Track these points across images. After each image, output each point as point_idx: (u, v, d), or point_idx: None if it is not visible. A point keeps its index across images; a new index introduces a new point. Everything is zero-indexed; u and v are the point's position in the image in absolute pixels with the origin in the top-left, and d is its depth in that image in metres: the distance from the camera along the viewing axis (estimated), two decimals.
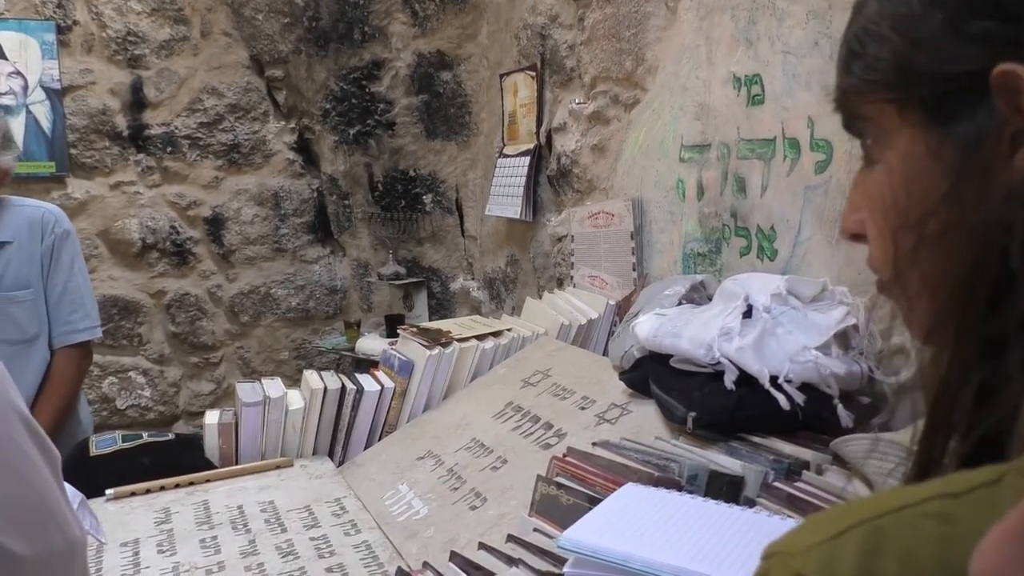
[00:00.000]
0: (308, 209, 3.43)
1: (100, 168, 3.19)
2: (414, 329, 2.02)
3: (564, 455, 1.25)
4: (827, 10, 1.34)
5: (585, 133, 2.17)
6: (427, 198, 3.25)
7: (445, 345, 1.89)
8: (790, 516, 0.93)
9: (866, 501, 0.39)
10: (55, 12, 3.06)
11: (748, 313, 1.28)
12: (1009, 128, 0.42)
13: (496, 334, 1.95)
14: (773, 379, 1.18)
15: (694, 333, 1.30)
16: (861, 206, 0.53)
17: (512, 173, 2.55)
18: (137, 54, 3.17)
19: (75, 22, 3.10)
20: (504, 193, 2.59)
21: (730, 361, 1.22)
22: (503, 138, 2.68)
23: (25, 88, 3.06)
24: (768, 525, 0.88)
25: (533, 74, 2.44)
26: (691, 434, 1.24)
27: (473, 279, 3.12)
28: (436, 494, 1.51)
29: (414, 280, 3.27)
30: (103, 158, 3.19)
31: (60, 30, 3.08)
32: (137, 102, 3.20)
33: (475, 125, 3.03)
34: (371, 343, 3.06)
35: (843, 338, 1.21)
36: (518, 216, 2.51)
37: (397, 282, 3.24)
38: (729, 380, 1.21)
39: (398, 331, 2.07)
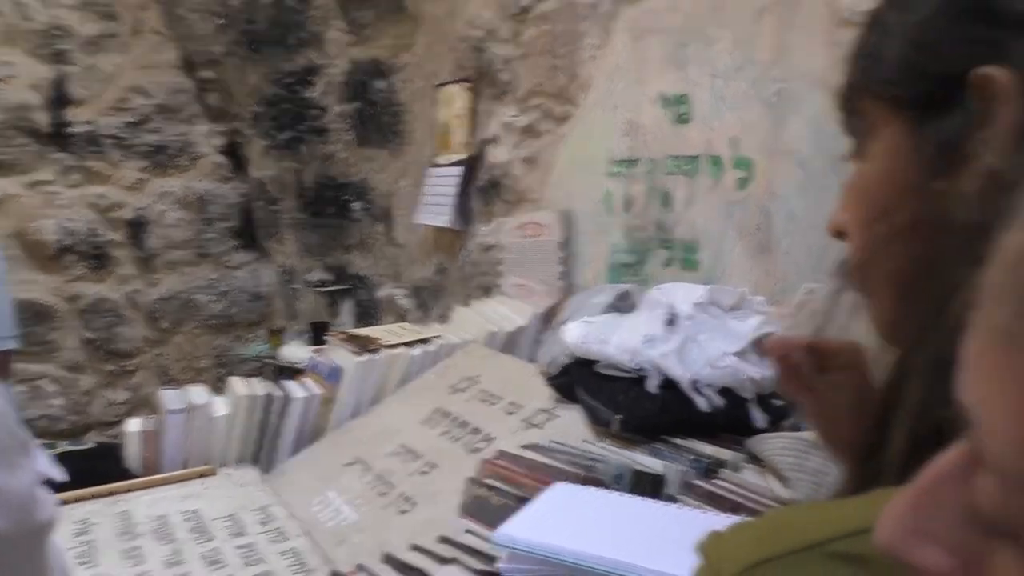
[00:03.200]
0: (234, 214, 3.37)
1: (17, 166, 3.08)
2: (343, 335, 2.02)
3: (494, 457, 1.28)
4: (752, 38, 1.41)
5: (517, 145, 2.22)
6: (356, 205, 3.24)
7: (374, 352, 1.89)
8: (709, 511, 0.98)
9: (786, 524, 0.38)
10: None
11: (671, 321, 1.33)
12: (985, 129, 0.43)
13: (424, 341, 1.97)
14: (694, 383, 1.24)
15: (620, 340, 1.34)
16: (849, 205, 0.55)
17: (444, 182, 2.58)
18: (62, 49, 3.07)
19: None
20: (435, 202, 2.61)
21: (654, 366, 1.27)
22: (436, 148, 2.71)
23: None
24: (688, 518, 0.92)
25: (468, 86, 2.47)
26: (616, 436, 1.28)
27: (400, 287, 3.13)
28: (365, 500, 1.51)
29: (340, 287, 3.25)
30: (20, 155, 3.07)
31: None
32: (60, 98, 3.10)
33: (408, 134, 3.04)
34: (295, 351, 3.02)
35: (759, 344, 1.27)
36: (448, 225, 2.54)
37: (323, 289, 3.21)
38: (653, 385, 1.27)
39: (325, 338, 2.06)
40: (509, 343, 1.94)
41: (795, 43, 1.32)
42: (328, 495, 1.58)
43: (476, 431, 1.56)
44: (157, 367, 3.36)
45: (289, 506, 1.58)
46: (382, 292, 3.19)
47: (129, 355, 3.32)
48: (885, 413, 0.46)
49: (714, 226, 1.49)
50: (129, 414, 3.24)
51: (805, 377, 0.69)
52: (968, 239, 0.36)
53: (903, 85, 0.50)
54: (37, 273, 3.17)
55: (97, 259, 3.23)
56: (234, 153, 3.34)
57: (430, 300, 2.85)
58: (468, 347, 1.94)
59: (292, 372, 2.72)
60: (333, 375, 1.88)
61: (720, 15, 1.48)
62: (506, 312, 2.03)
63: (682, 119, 1.59)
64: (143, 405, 3.32)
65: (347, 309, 3.25)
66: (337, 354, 1.95)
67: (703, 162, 1.52)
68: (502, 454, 1.28)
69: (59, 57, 3.07)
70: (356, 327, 3.07)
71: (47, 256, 3.15)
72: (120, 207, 3.23)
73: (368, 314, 3.26)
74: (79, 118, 3.13)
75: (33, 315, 3.16)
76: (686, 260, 1.57)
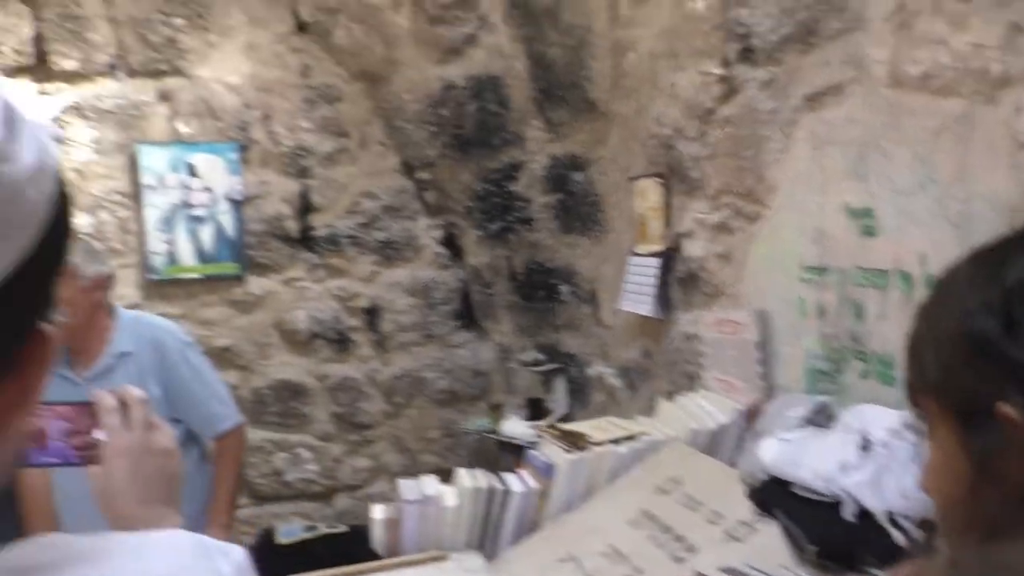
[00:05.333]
0: (454, 298, 3.70)
1: (274, 266, 3.60)
2: (555, 431, 2.19)
3: None
4: (930, 154, 1.42)
5: (711, 240, 2.29)
6: (563, 288, 3.44)
7: (583, 448, 2.04)
8: None
9: None
10: (238, 134, 3.51)
11: (865, 446, 1.36)
12: (1017, 447, 0.53)
13: (631, 438, 2.08)
14: (890, 515, 1.26)
15: (814, 464, 1.39)
16: (926, 474, 0.68)
17: (643, 272, 2.69)
18: (305, 166, 3.57)
19: (254, 141, 3.53)
20: (636, 290, 2.73)
21: (848, 495, 1.31)
22: (634, 237, 2.83)
23: (213, 201, 3.50)
24: None
25: (660, 180, 2.58)
26: (813, 563, 1.33)
27: (608, 366, 3.26)
28: None
29: (553, 366, 3.45)
30: (277, 257, 3.59)
31: (241, 149, 3.52)
32: (305, 207, 3.60)
33: (607, 223, 3.20)
34: (514, 426, 3.25)
35: None
36: (649, 313, 2.64)
37: (537, 368, 3.43)
38: (848, 513, 1.30)
39: (538, 433, 2.24)
40: (712, 441, 2.01)
41: (975, 164, 1.32)
42: None
43: (679, 539, 1.65)
44: (393, 437, 3.74)
45: None
46: (592, 370, 3.35)
47: (369, 426, 3.73)
48: None
49: None
50: (369, 480, 3.66)
51: None
52: None
53: (943, 398, 0.59)
54: (293, 356, 3.66)
55: (340, 343, 3.67)
56: (451, 243, 3.68)
57: (637, 380, 2.96)
58: (672, 444, 2.03)
59: (511, 448, 2.95)
60: (547, 471, 2.05)
61: (897, 131, 1.50)
62: (708, 407, 2.10)
63: (868, 231, 1.61)
64: (381, 471, 3.71)
65: (560, 386, 3.44)
66: (550, 450, 2.11)
67: (892, 277, 1.54)
68: None
69: (303, 172, 3.57)
70: (570, 403, 3.26)
71: (300, 341, 3.64)
72: (357, 296, 3.66)
73: (580, 390, 3.43)
74: (320, 222, 3.61)
75: (292, 393, 3.65)
76: (881, 375, 1.58)
